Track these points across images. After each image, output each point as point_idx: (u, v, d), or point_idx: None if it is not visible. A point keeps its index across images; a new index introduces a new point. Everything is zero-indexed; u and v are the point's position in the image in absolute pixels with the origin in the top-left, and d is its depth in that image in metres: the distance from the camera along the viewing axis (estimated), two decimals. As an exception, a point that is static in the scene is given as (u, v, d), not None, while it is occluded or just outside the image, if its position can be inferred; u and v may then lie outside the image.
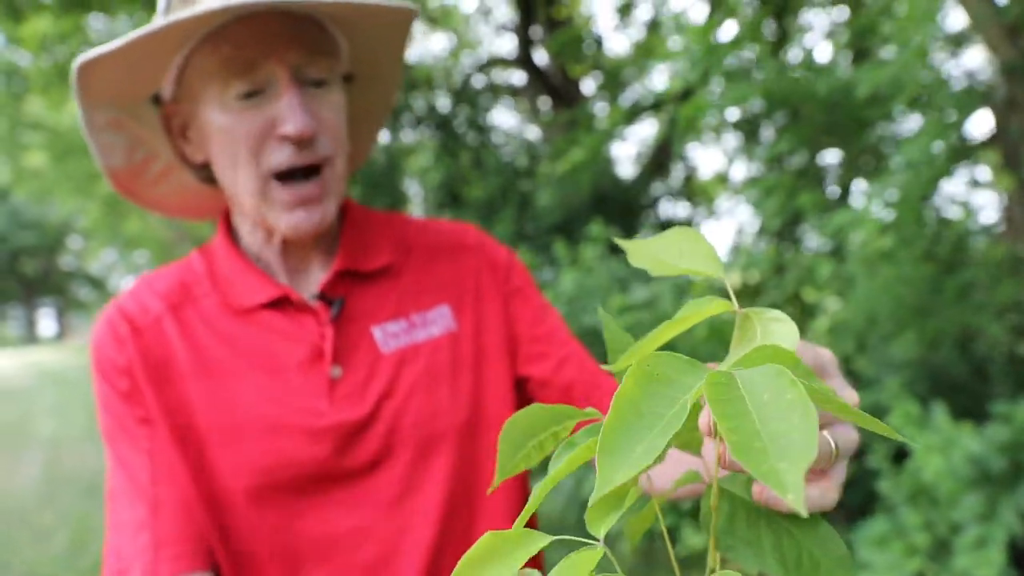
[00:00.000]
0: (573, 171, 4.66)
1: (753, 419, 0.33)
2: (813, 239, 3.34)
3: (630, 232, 4.20)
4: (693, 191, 6.06)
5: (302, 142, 0.77)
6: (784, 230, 4.35)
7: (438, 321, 0.88)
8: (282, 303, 0.83)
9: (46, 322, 38.81)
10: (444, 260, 0.92)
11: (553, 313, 0.96)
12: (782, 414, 0.33)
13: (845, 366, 3.02)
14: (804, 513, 0.28)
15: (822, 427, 0.44)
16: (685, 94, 3.94)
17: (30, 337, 35.26)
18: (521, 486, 0.90)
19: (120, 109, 0.82)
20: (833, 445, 0.43)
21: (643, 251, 0.52)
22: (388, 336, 0.85)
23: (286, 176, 0.78)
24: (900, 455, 2.71)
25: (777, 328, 0.43)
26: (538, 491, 0.45)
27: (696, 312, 0.48)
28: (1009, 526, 2.01)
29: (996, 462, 2.08)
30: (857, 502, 2.97)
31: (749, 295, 4.36)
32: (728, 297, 0.45)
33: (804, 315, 3.63)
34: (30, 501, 5.79)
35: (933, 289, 2.66)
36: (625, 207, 5.07)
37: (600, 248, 3.51)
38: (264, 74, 0.76)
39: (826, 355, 0.49)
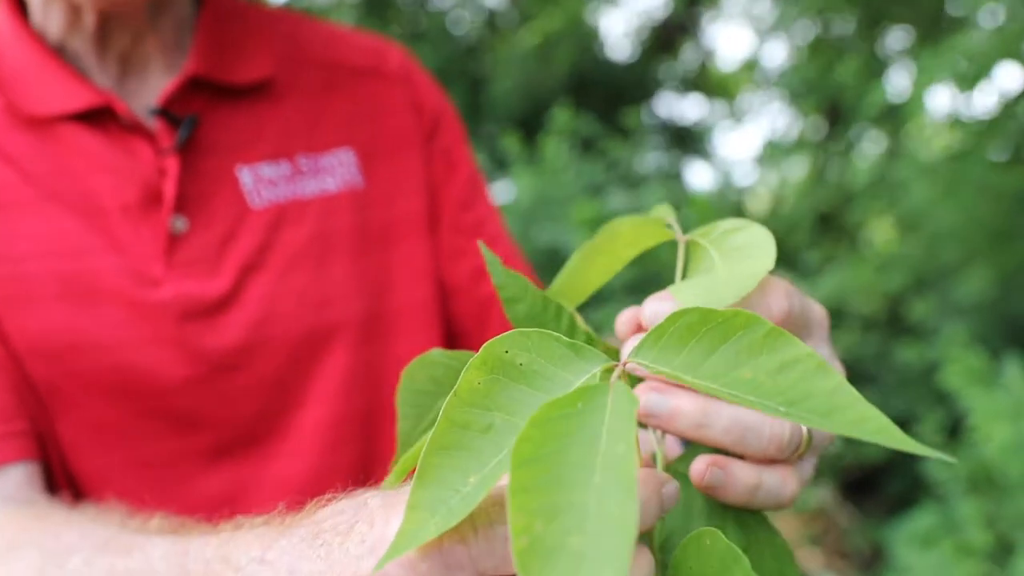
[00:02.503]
0: (545, 45, 4.58)
1: (588, 491, 0.31)
2: (863, 136, 3.26)
3: (616, 130, 4.10)
4: (709, 84, 5.98)
5: None
6: (830, 136, 4.28)
7: (336, 171, 0.86)
8: (100, 117, 0.78)
9: None
10: (351, 86, 0.90)
11: (484, 194, 0.96)
12: (620, 494, 0.31)
13: (895, 309, 2.99)
14: None
15: None
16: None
17: None
18: None
19: None
20: (805, 434, 0.47)
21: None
22: (261, 183, 0.82)
23: None
24: (957, 430, 2.70)
25: (745, 248, 0.46)
26: (397, 471, 0.50)
27: (617, 240, 0.53)
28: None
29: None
30: (899, 490, 2.99)
31: (780, 223, 4.31)
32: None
33: (844, 246, 3.58)
34: None
35: (1019, 206, 2.61)
36: (613, 97, 5.00)
37: (567, 144, 3.39)
38: None
39: (816, 312, 0.52)
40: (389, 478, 0.53)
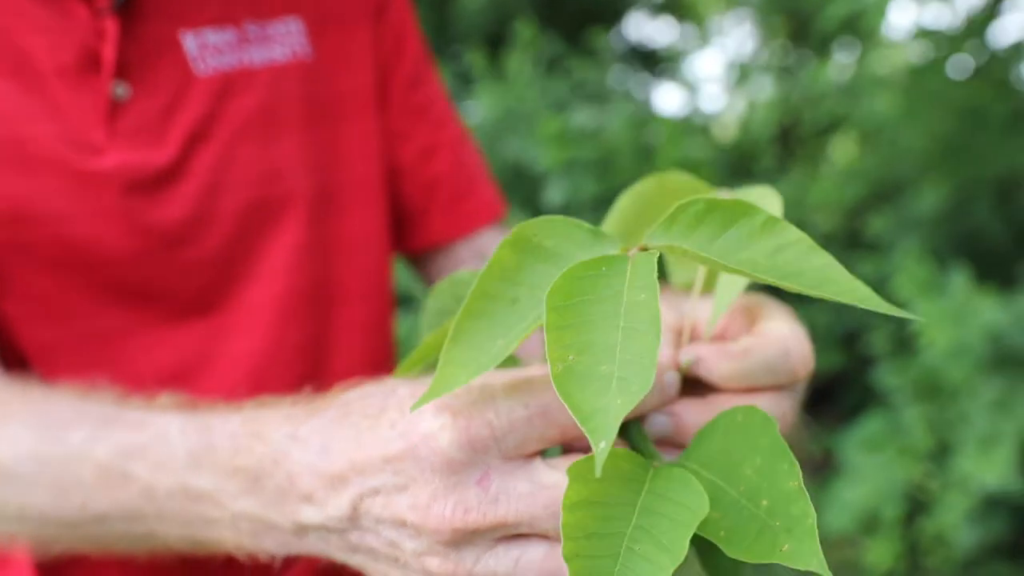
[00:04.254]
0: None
1: (616, 331, 0.36)
2: (831, 53, 3.28)
3: (581, 49, 4.07)
4: (680, 5, 5.93)
5: None
6: (796, 60, 4.28)
7: (284, 40, 0.82)
8: None
9: None
10: None
11: (431, 74, 0.94)
12: (644, 331, 0.36)
13: (853, 224, 3.05)
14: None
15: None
16: None
17: None
18: (386, 296, 0.90)
19: None
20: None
21: None
22: (206, 50, 0.78)
23: None
24: (906, 342, 2.78)
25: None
26: (401, 371, 0.52)
27: (661, 191, 0.55)
28: (1024, 420, 2.09)
29: (1020, 339, 2.13)
30: (851, 400, 3.08)
31: (744, 144, 4.34)
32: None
33: (808, 161, 3.62)
34: None
35: (975, 121, 2.65)
36: (582, 16, 4.94)
37: (532, 60, 3.38)
38: None
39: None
40: (400, 368, 0.54)
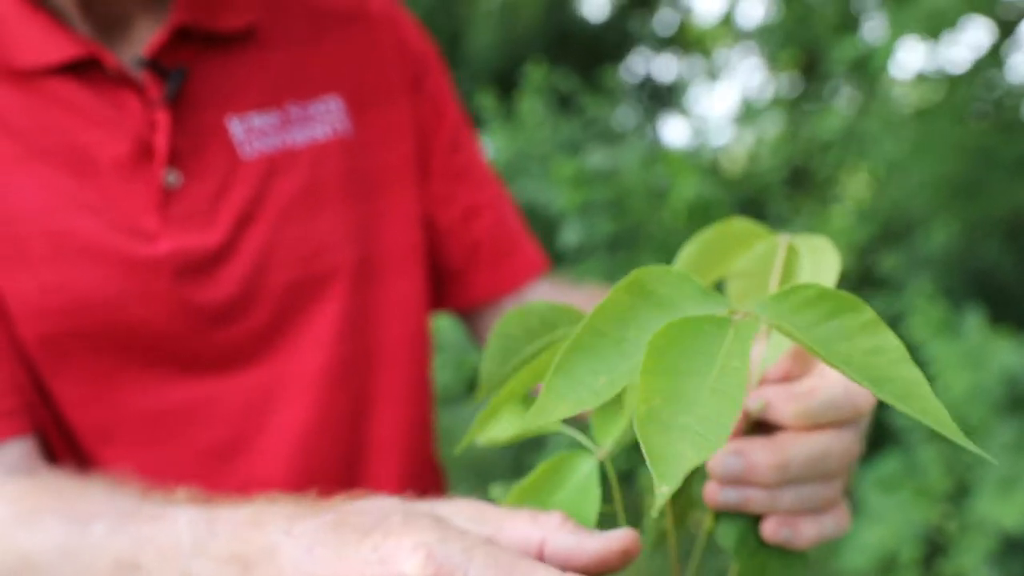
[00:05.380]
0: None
1: (703, 390, 0.37)
2: (839, 93, 3.32)
3: (591, 86, 4.13)
4: (686, 40, 6.00)
5: None
6: (805, 93, 4.33)
7: (325, 118, 0.84)
8: (87, 69, 0.75)
9: None
10: (337, 32, 0.87)
11: (470, 137, 0.96)
12: (729, 394, 0.37)
13: (861, 264, 3.07)
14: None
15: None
16: None
17: None
18: (424, 359, 0.92)
19: None
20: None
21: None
22: (252, 133, 0.80)
23: None
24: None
25: (822, 258, 0.52)
26: (514, 381, 0.52)
27: (727, 242, 0.57)
28: (1045, 460, 2.10)
29: (1038, 380, 2.15)
30: (868, 441, 3.08)
31: (753, 181, 4.38)
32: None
33: (818, 200, 3.66)
34: None
35: (984, 161, 2.68)
36: (589, 53, 5.02)
37: (543, 100, 3.42)
38: None
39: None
40: (479, 393, 0.56)
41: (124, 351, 0.77)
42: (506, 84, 4.65)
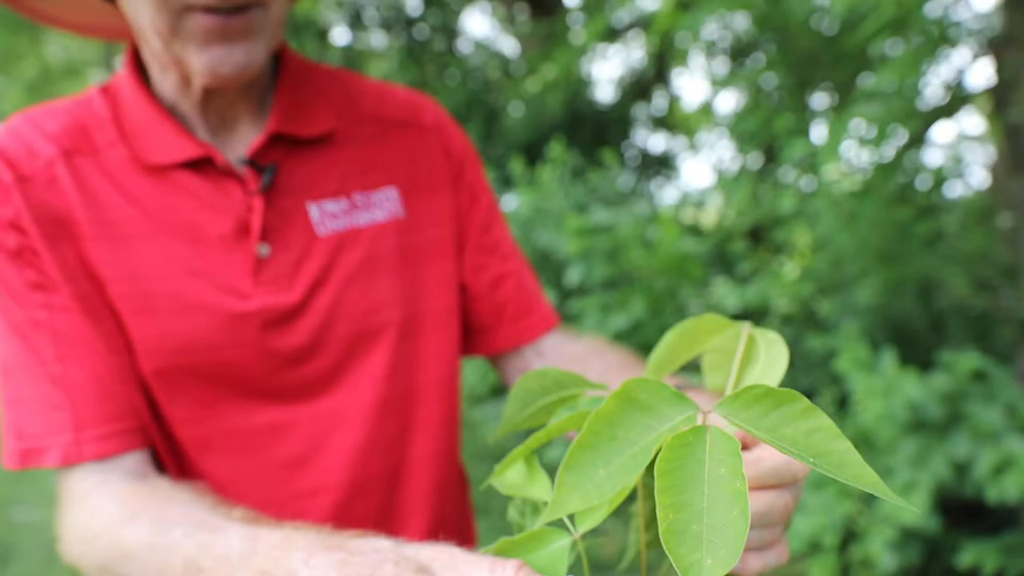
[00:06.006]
0: (545, 89, 4.63)
1: (702, 496, 0.37)
2: (790, 174, 3.40)
3: (596, 162, 4.21)
4: (674, 122, 6.07)
5: None
6: (765, 168, 4.40)
7: (383, 205, 0.84)
8: (203, 165, 0.77)
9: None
10: (396, 136, 0.87)
11: (499, 217, 0.95)
12: (728, 503, 0.36)
13: (807, 309, 3.12)
14: None
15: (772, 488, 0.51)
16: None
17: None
18: (454, 396, 0.91)
19: None
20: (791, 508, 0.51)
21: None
22: (326, 216, 0.81)
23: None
24: (845, 401, 2.83)
25: (775, 351, 0.51)
26: (535, 437, 0.50)
27: (701, 329, 0.56)
28: (937, 473, 2.14)
29: (934, 409, 2.19)
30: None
31: (719, 232, 4.43)
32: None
33: (773, 255, 3.71)
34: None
35: (902, 235, 2.74)
36: (599, 132, 5.07)
37: (559, 170, 3.51)
38: None
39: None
40: (498, 433, 0.57)
41: (221, 383, 0.78)
42: (532, 153, 4.71)
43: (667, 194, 5.86)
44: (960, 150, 3.26)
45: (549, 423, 0.51)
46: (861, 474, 0.38)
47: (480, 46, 5.94)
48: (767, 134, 3.02)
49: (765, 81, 3.40)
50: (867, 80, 2.98)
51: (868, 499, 2.37)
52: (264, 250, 0.78)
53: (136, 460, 0.74)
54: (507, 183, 3.95)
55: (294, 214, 0.80)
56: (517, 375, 0.94)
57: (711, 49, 4.17)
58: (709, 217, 5.25)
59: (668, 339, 0.59)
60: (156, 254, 0.75)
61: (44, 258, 0.73)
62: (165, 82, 0.77)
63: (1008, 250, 2.74)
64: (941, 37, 2.30)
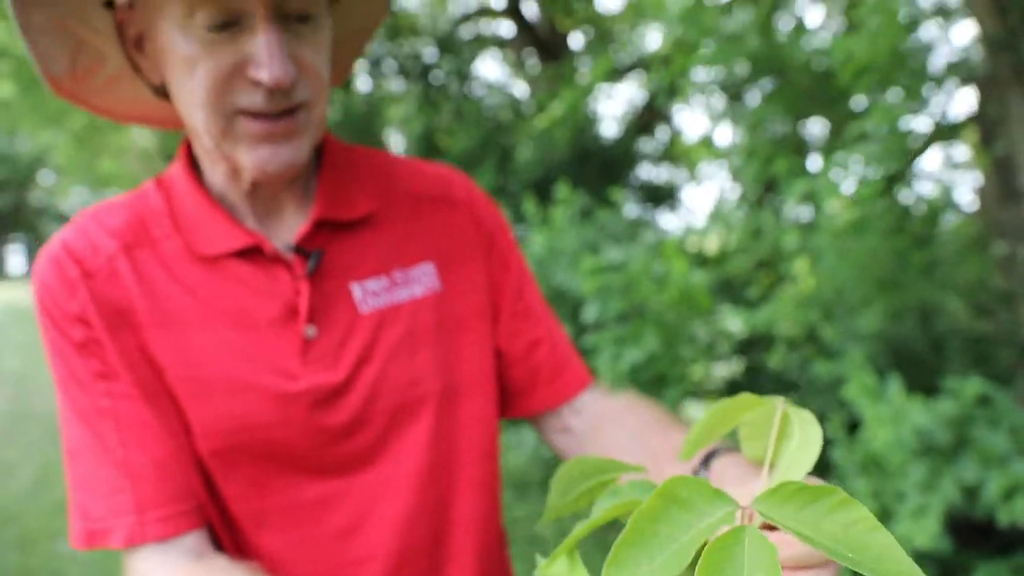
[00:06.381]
0: (553, 127, 4.62)
1: None
2: (791, 208, 3.37)
3: (608, 193, 4.21)
4: (676, 154, 6.05)
5: (277, 89, 0.68)
6: (763, 198, 4.37)
7: (421, 280, 0.84)
8: (253, 253, 0.77)
9: (16, 259, 38.23)
10: (430, 212, 0.87)
11: (530, 282, 0.94)
12: None
13: (810, 335, 3.08)
14: None
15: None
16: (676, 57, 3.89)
17: (-1, 273, 34.88)
18: (494, 458, 0.90)
19: (64, 9, 0.70)
20: None
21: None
22: (368, 294, 0.80)
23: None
24: (855, 426, 2.78)
25: (809, 431, 0.51)
26: (578, 531, 0.50)
27: (736, 407, 0.55)
28: (947, 497, 2.09)
29: (941, 435, 2.15)
30: (813, 470, 3.05)
31: (722, 260, 4.40)
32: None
33: (775, 283, 3.67)
34: (-6, 438, 5.80)
35: (900, 264, 2.70)
36: (606, 167, 5.06)
37: (571, 210, 3.50)
38: (239, 2, 0.66)
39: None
40: (543, 519, 0.56)
41: (273, 461, 0.78)
42: (542, 189, 4.72)
43: (671, 223, 5.84)
44: (949, 177, 3.23)
45: (592, 511, 0.50)
46: (901, 569, 0.36)
47: (493, 88, 5.97)
48: (766, 173, 2.99)
49: (762, 118, 3.37)
50: (859, 121, 2.95)
51: (881, 521, 2.32)
52: (311, 331, 0.77)
53: (195, 539, 0.74)
54: (523, 221, 3.94)
55: (338, 294, 0.79)
56: (554, 433, 0.93)
57: (708, 88, 4.16)
58: (712, 243, 5.23)
59: (704, 418, 0.58)
60: (210, 340, 0.75)
61: (107, 348, 0.74)
62: (215, 174, 0.78)
63: (1004, 276, 2.70)
64: (924, 77, 2.27)
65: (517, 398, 0.93)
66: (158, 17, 0.69)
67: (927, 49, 2.73)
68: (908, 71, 2.29)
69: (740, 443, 0.59)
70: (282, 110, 0.70)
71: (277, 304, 0.77)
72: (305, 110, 0.72)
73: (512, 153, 5.07)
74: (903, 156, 2.34)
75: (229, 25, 0.67)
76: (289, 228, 0.81)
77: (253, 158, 0.71)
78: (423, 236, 0.86)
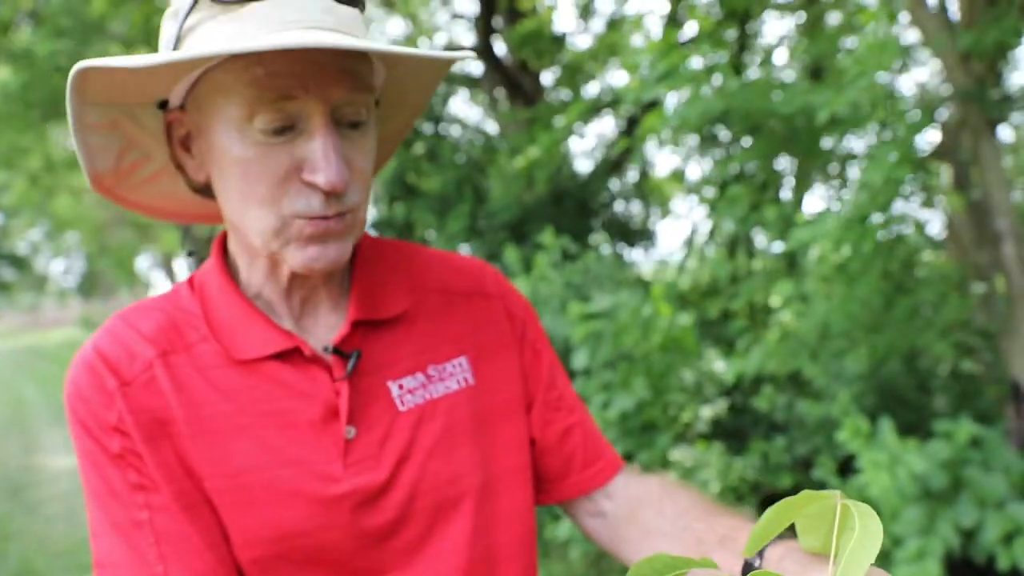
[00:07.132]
0: (529, 167, 4.66)
1: None
2: (764, 242, 3.42)
3: (585, 232, 4.23)
4: (648, 190, 6.13)
5: (332, 194, 0.70)
6: (738, 234, 4.45)
7: (456, 374, 0.84)
8: (291, 354, 0.77)
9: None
10: (462, 306, 0.88)
11: (561, 370, 0.95)
12: None
13: (796, 376, 3.12)
14: None
15: None
16: (649, 105, 3.95)
17: (-54, 316, 33.58)
18: (532, 550, 0.90)
19: (119, 109, 0.72)
20: None
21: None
22: (405, 392, 0.80)
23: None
24: (844, 469, 2.82)
25: (869, 524, 0.50)
26: None
27: (797, 504, 0.55)
28: (946, 540, 2.11)
29: (937, 479, 2.18)
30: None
31: (702, 295, 4.45)
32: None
33: (757, 323, 3.73)
34: (-52, 499, 5.52)
35: (885, 307, 2.76)
36: (581, 205, 5.10)
37: (554, 255, 3.51)
38: (297, 108, 0.67)
39: None
40: None
41: (313, 564, 0.77)
42: (519, 230, 4.72)
43: (646, 259, 5.89)
44: (921, 215, 3.32)
45: None
46: None
47: (466, 127, 6.00)
48: (752, 221, 3.03)
49: (735, 159, 3.43)
50: (847, 162, 3.02)
51: (882, 564, 2.33)
52: (351, 432, 0.77)
53: None
54: (496, 260, 3.92)
55: (376, 393, 0.79)
56: (588, 518, 0.94)
57: (678, 130, 4.23)
58: (685, 279, 5.29)
59: (768, 515, 0.58)
60: (250, 446, 0.75)
61: (145, 460, 0.72)
62: (254, 270, 0.78)
63: (984, 316, 2.77)
64: (913, 127, 2.34)
65: (551, 485, 0.93)
66: (214, 119, 0.70)
67: (899, 94, 2.82)
68: (896, 113, 2.36)
69: (799, 536, 0.59)
70: (335, 213, 0.71)
71: (317, 405, 0.76)
72: (352, 213, 0.73)
73: (486, 193, 5.08)
74: (888, 201, 2.40)
75: (286, 129, 0.68)
76: (325, 326, 0.81)
77: (302, 257, 0.72)
78: (456, 330, 0.86)
